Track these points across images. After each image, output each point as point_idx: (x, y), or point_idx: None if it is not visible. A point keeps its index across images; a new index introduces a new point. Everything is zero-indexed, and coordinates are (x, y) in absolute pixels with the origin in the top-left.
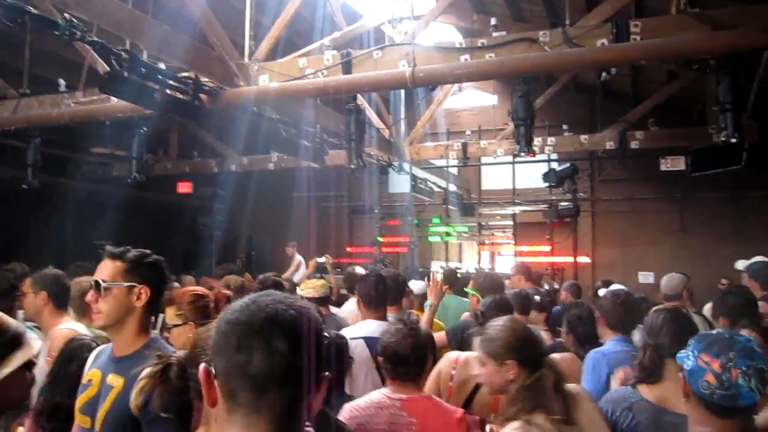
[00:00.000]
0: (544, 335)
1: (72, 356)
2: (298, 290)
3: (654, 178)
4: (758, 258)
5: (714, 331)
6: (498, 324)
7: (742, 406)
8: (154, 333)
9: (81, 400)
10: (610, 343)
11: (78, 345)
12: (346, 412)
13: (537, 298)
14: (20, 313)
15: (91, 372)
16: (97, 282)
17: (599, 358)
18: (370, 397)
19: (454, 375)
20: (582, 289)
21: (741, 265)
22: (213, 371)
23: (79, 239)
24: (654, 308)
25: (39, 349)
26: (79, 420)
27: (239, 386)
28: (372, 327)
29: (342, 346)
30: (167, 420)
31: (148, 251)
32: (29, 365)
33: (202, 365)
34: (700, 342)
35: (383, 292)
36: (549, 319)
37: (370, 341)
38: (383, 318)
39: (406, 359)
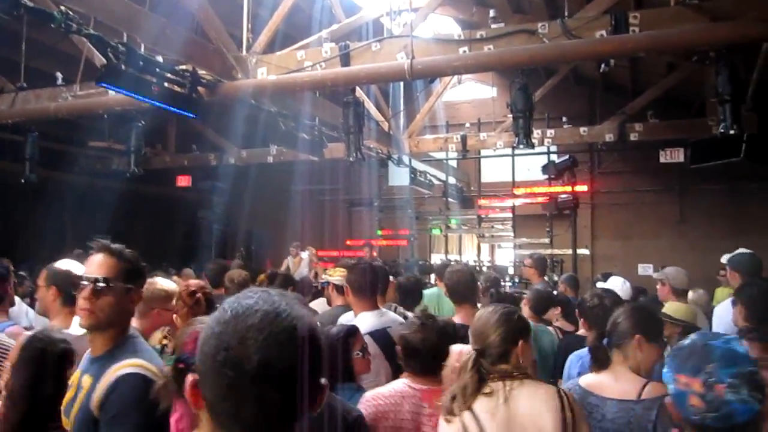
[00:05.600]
0: (560, 324)
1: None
2: (326, 275)
3: (653, 170)
4: (741, 250)
5: (687, 341)
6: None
7: (742, 421)
8: (133, 330)
9: (64, 402)
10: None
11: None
12: (368, 400)
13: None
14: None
15: (75, 373)
16: (96, 279)
17: (574, 360)
18: (392, 386)
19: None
20: (581, 281)
21: (724, 258)
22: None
23: (78, 233)
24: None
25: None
26: (64, 422)
27: (225, 422)
28: (371, 321)
29: (348, 340)
30: (124, 423)
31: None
32: None
33: (190, 379)
34: (675, 359)
35: (374, 281)
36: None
37: (375, 335)
38: (376, 307)
39: (416, 352)
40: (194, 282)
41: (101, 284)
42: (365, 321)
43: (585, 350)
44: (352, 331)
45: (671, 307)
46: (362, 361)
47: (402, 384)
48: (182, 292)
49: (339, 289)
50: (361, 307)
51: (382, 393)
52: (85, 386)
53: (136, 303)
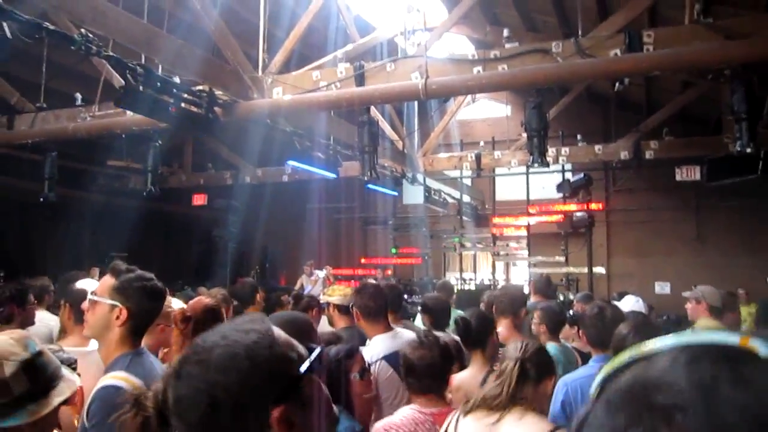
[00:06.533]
0: (578, 345)
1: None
2: (324, 295)
3: (669, 187)
4: None
5: None
6: None
7: None
8: (141, 348)
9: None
10: (588, 365)
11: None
12: (380, 431)
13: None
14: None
15: None
16: (91, 293)
17: (560, 385)
18: (402, 413)
19: (451, 399)
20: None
21: None
22: None
23: (96, 251)
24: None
25: (79, 383)
26: None
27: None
28: (386, 344)
29: (346, 363)
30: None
31: (149, 275)
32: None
33: None
34: None
35: (382, 303)
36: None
37: (390, 358)
38: (389, 328)
39: (414, 370)
40: (196, 302)
41: (90, 298)
42: (379, 345)
43: (576, 377)
44: (351, 352)
45: (704, 324)
46: (361, 383)
47: (411, 411)
48: (176, 316)
49: (341, 309)
50: (374, 330)
51: (394, 422)
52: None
53: (122, 321)
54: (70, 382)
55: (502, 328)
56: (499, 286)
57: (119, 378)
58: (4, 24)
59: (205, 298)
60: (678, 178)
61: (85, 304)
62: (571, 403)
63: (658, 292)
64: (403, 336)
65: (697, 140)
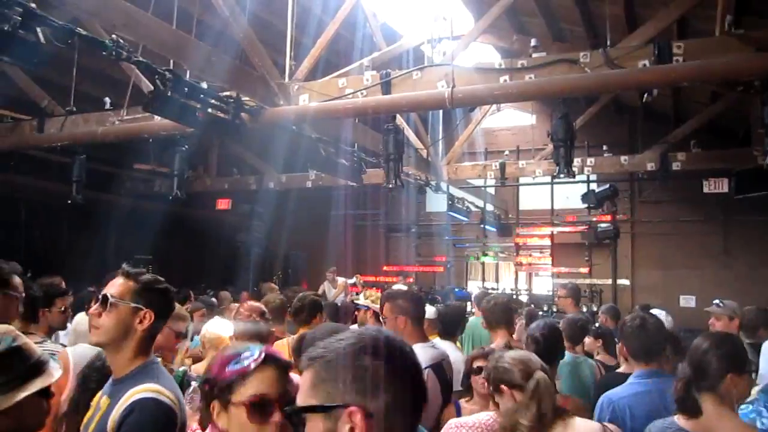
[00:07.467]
0: (602, 358)
1: (81, 381)
2: (364, 299)
3: (696, 199)
4: None
5: None
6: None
7: None
8: (155, 356)
9: (84, 423)
10: (629, 382)
11: (88, 371)
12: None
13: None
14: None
15: (98, 395)
16: (105, 296)
17: (605, 402)
18: (477, 417)
19: None
20: (621, 312)
21: None
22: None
23: (121, 253)
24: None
25: (59, 378)
26: None
27: (398, 422)
28: (430, 353)
29: None
30: None
31: (161, 278)
32: (48, 394)
33: (354, 408)
34: None
35: (424, 310)
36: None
37: (435, 368)
38: (425, 338)
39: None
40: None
41: (108, 300)
42: (423, 353)
43: (623, 394)
44: None
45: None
46: None
47: (487, 416)
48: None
49: (378, 317)
50: (415, 338)
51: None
52: (102, 407)
53: (146, 324)
54: (47, 377)
55: (500, 339)
56: (521, 297)
57: (155, 390)
58: (38, 29)
59: (254, 302)
60: (705, 190)
61: (93, 309)
62: (619, 421)
63: (683, 305)
64: (440, 348)
65: (725, 152)
